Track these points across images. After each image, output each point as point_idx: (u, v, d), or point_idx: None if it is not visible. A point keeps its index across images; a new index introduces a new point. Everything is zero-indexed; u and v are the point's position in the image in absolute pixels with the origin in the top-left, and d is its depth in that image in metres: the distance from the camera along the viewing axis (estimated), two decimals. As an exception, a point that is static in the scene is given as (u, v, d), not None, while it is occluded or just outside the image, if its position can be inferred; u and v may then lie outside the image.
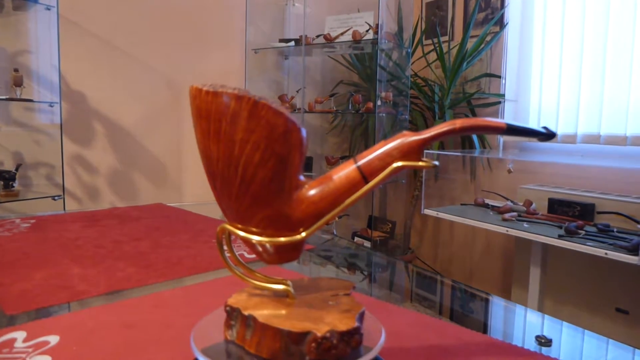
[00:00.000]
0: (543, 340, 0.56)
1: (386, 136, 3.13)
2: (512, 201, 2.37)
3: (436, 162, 0.39)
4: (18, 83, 2.24)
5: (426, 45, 3.12)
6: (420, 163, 0.38)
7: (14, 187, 2.25)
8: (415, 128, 3.15)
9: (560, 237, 1.80)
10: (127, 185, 2.76)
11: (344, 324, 0.36)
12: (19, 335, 0.57)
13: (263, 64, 3.16)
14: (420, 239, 3.46)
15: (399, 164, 0.37)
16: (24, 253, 0.89)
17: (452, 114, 2.90)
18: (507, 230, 1.99)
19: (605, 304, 2.22)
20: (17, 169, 2.30)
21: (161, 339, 0.57)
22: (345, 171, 0.38)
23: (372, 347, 0.39)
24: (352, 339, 0.35)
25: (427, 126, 3.11)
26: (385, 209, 3.47)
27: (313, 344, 0.35)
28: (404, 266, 1.02)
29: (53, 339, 0.56)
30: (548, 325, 0.66)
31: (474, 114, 2.92)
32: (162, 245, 0.97)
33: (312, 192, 0.38)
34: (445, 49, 2.91)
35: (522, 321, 0.70)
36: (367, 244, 3.15)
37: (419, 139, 0.38)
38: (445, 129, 0.36)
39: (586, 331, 0.62)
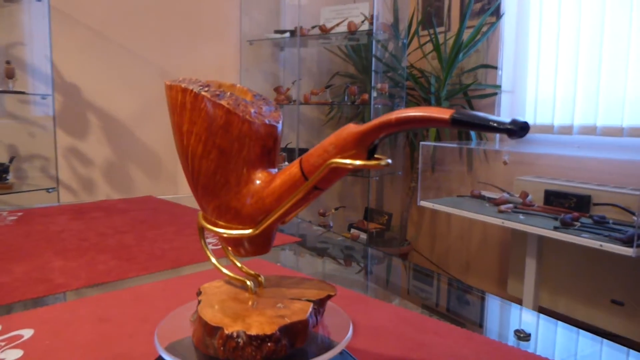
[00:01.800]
0: (522, 335, 0.56)
1: (382, 128, 3.12)
2: (508, 193, 2.36)
3: (389, 160, 0.34)
4: (10, 75, 2.22)
5: (422, 36, 3.10)
6: (358, 162, 0.33)
7: (7, 179, 2.25)
8: (411, 120, 3.13)
9: (555, 228, 1.79)
10: (122, 177, 2.75)
11: (259, 328, 0.34)
12: (-7, 329, 0.57)
13: (258, 56, 3.14)
14: (417, 230, 3.45)
15: (336, 160, 0.33)
16: (7, 246, 0.89)
17: (449, 105, 2.89)
18: (502, 222, 1.98)
19: (601, 296, 2.22)
20: (10, 162, 2.30)
21: (136, 332, 0.56)
22: (291, 167, 0.36)
23: (338, 342, 0.39)
24: (263, 345, 0.34)
25: (423, 118, 3.10)
26: (382, 200, 3.47)
27: (220, 340, 0.35)
28: (393, 260, 1.01)
29: (27, 333, 0.56)
30: (532, 320, 0.66)
31: (471, 105, 2.90)
32: (146, 238, 0.96)
33: (263, 186, 0.37)
34: (441, 40, 2.89)
35: (506, 316, 0.69)
36: (364, 235, 3.14)
37: (354, 131, 0.33)
38: (380, 120, 0.32)
39: (565, 324, 0.61)
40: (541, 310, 2.27)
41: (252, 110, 0.38)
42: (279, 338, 0.34)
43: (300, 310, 0.36)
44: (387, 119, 0.31)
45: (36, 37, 2.40)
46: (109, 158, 2.70)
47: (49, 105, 2.39)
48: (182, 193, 2.90)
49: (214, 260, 0.43)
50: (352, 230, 3.20)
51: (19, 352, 0.51)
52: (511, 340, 0.56)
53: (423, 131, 3.01)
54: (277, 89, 3.07)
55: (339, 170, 0.34)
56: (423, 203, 2.46)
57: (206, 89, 0.38)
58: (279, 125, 0.40)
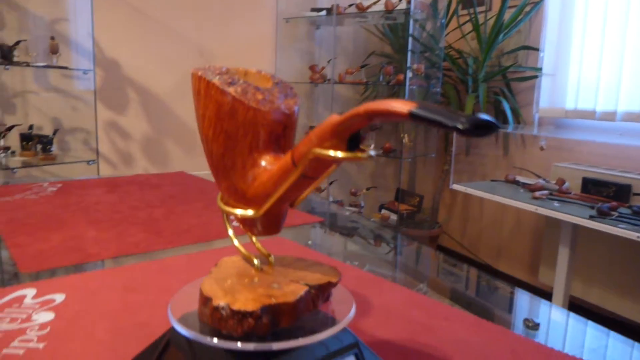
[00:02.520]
0: (530, 324, 0.56)
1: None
2: (544, 179, 2.30)
3: (372, 153, 0.33)
4: (54, 50, 2.30)
5: (462, 15, 3.02)
6: (339, 153, 0.32)
7: (51, 151, 2.35)
8: (447, 101, 3.08)
9: (591, 217, 1.74)
10: (158, 151, 2.83)
11: (242, 304, 0.36)
12: (29, 292, 0.61)
13: (294, 34, 3.13)
14: (448, 213, 3.42)
15: (316, 150, 0.33)
16: (46, 215, 0.94)
17: (486, 87, 2.82)
18: (536, 209, 1.94)
19: (636, 287, 2.16)
20: (54, 134, 2.40)
21: (158, 302, 0.59)
22: (288, 154, 0.37)
23: (340, 320, 0.40)
24: (244, 320, 0.35)
25: (459, 100, 3.03)
26: (414, 182, 3.44)
27: (208, 310, 0.37)
28: (417, 243, 1.02)
29: (59, 297, 0.60)
30: (545, 310, 0.65)
31: (509, 88, 2.82)
32: (175, 212, 1.00)
33: (265, 171, 0.38)
34: (481, 20, 2.81)
35: (520, 305, 0.69)
36: (394, 216, 3.14)
37: (331, 122, 0.33)
38: (351, 112, 0.31)
39: (577, 316, 0.61)
40: (572, 300, 2.23)
41: (262, 98, 0.39)
42: (259, 316, 0.35)
43: (291, 293, 0.38)
44: (356, 111, 0.31)
45: (79, 13, 2.47)
46: (146, 133, 2.78)
47: (91, 80, 2.47)
48: (216, 169, 2.97)
49: (231, 233, 0.45)
50: (383, 211, 3.20)
51: (51, 315, 0.55)
52: (520, 329, 0.56)
53: (459, 113, 2.95)
54: (312, 68, 3.07)
55: (324, 160, 0.34)
56: (455, 186, 2.44)
57: (218, 77, 0.39)
58: (295, 109, 0.41)
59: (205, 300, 0.38)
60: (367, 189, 3.36)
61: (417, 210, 3.20)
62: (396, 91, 3.06)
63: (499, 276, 3.18)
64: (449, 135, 3.09)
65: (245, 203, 0.40)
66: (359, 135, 0.33)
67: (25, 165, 2.28)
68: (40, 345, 0.49)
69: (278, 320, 0.37)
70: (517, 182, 2.38)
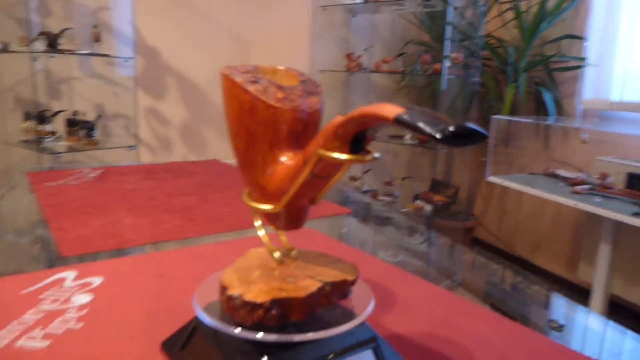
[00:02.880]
0: (554, 325, 0.56)
1: (454, 100, 3.03)
2: (585, 173, 2.23)
3: (376, 155, 0.33)
4: (97, 39, 2.38)
5: (503, 2, 2.93)
6: (343, 155, 0.32)
7: (94, 136, 2.44)
8: (485, 92, 3.01)
9: (635, 214, 1.68)
10: (196, 138, 2.89)
11: (254, 295, 0.37)
12: (70, 274, 0.65)
13: (330, 21, 3.12)
14: (485, 205, 3.36)
15: (320, 152, 0.33)
16: (86, 201, 0.99)
17: (527, 77, 2.74)
18: (576, 204, 1.89)
19: (680, 289, 2.07)
20: (97, 120, 2.49)
21: (188, 289, 0.62)
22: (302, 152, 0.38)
23: (358, 315, 0.41)
24: (254, 311, 0.37)
25: (498, 90, 2.96)
26: (450, 173, 3.39)
27: (224, 298, 0.39)
28: (447, 237, 1.02)
29: (97, 280, 0.63)
30: (575, 312, 0.65)
31: (552, 79, 2.73)
32: (208, 200, 1.03)
33: (283, 168, 0.39)
34: (523, 8, 2.72)
35: (547, 304, 0.68)
36: (428, 207, 3.11)
37: (333, 123, 0.33)
38: (349, 114, 0.31)
39: (606, 320, 0.60)
40: (612, 298, 2.17)
41: (282, 97, 0.40)
42: (269, 308, 0.37)
43: (303, 288, 0.39)
44: (351, 115, 0.31)
45: (120, 2, 2.54)
46: (184, 119, 2.84)
47: (131, 67, 2.54)
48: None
49: (257, 224, 0.46)
50: (417, 201, 3.17)
51: (89, 297, 0.58)
52: (545, 330, 0.56)
53: (498, 104, 2.89)
54: (348, 56, 3.05)
55: (329, 161, 0.34)
56: (492, 179, 2.39)
57: (242, 76, 0.40)
58: (319, 107, 0.42)
59: (222, 288, 0.40)
60: (402, 179, 3.34)
61: (452, 202, 3.16)
62: (434, 80, 3.01)
63: (535, 271, 3.11)
64: (486, 126, 3.03)
65: (266, 198, 0.41)
66: (364, 136, 0.33)
67: (70, 150, 2.38)
68: (78, 326, 0.52)
69: (288, 314, 0.38)
70: (556, 176, 2.32)
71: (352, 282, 0.42)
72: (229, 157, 1.61)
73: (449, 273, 0.84)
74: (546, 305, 0.66)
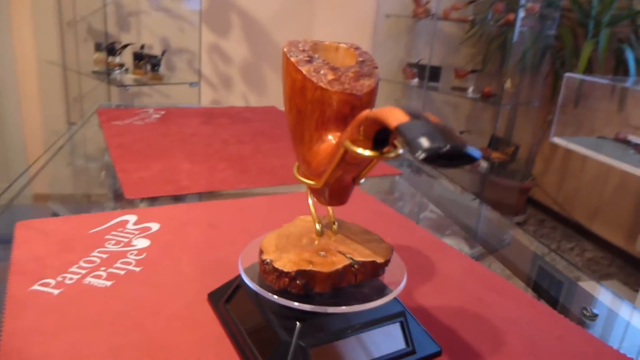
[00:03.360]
0: (587, 314, 0.56)
1: (525, 54, 2.85)
2: (659, 143, 2.09)
3: (400, 151, 0.32)
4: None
5: (594, -53, 2.66)
6: (366, 152, 0.33)
7: (159, 71, 2.52)
8: (560, 46, 2.82)
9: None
10: (257, 78, 2.92)
11: (282, 264, 0.41)
12: (132, 218, 0.71)
13: (400, -38, 2.97)
14: (545, 166, 3.24)
15: (347, 143, 0.34)
16: (148, 143, 1.05)
17: (610, 32, 2.53)
18: (642, 174, 1.79)
19: None
20: (162, 54, 2.55)
21: (236, 241, 0.66)
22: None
23: (392, 290, 0.44)
24: (280, 278, 0.41)
25: (574, 46, 2.76)
26: (512, 130, 3.27)
27: (260, 261, 0.43)
28: (495, 204, 1.01)
29: (155, 226, 0.69)
30: (609, 301, 0.64)
31: (637, 36, 2.51)
32: (262, 151, 1.06)
33: (325, 147, 0.41)
34: (616, -46, 2.47)
35: (586, 292, 0.68)
36: (485, 164, 3.04)
37: (358, 118, 0.33)
38: (360, 117, 0.32)
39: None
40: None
41: (332, 78, 0.41)
42: (294, 277, 0.40)
43: (331, 264, 0.41)
44: (362, 116, 0.33)
45: None
46: (246, 58, 2.86)
47: (197, 1, 2.55)
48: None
49: (309, 192, 0.48)
50: (473, 157, 3.10)
51: (147, 242, 0.64)
52: (577, 317, 0.57)
53: (572, 60, 2.71)
54: (416, 1, 2.92)
55: (346, 158, 0.36)
56: (556, 140, 2.29)
57: (299, 55, 0.42)
58: (371, 89, 0.42)
59: (260, 251, 0.44)
60: (460, 133, 3.26)
61: (511, 160, 3.06)
62: (505, 31, 2.84)
63: (591, 238, 3.01)
64: (557, 83, 2.86)
65: (310, 173, 0.43)
66: (388, 132, 0.33)
67: (136, 83, 2.48)
68: (137, 269, 0.58)
69: (311, 285, 0.41)
70: (628, 142, 2.19)
71: (382, 265, 0.44)
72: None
73: (494, 245, 0.84)
74: (584, 292, 0.66)
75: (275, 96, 2.92)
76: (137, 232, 0.67)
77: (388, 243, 0.47)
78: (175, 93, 2.61)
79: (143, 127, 1.16)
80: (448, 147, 0.25)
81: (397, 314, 0.46)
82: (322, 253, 0.43)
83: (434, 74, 3.04)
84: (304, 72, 0.41)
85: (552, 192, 3.20)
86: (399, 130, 0.28)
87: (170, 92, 2.63)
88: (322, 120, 0.42)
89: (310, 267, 0.41)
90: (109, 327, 0.47)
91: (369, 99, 0.42)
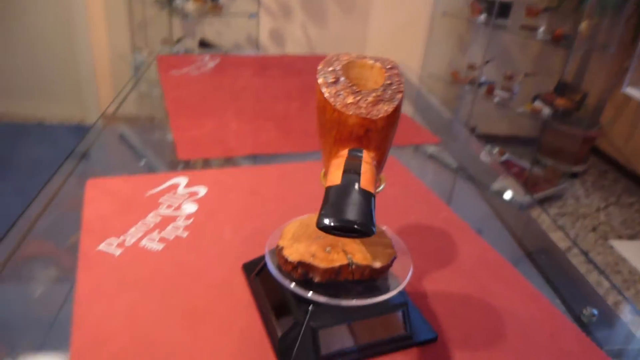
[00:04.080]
0: (586, 313, 0.60)
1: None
2: None
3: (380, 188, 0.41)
4: None
5: None
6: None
7: (219, 1, 2.53)
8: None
9: None
10: (317, 8, 2.87)
11: (289, 253, 0.48)
12: (182, 181, 0.79)
13: None
14: (615, 116, 3.07)
15: (322, 182, 0.45)
16: (202, 96, 1.11)
17: None
18: None
19: None
20: (222, -16, 2.55)
21: (274, 210, 0.74)
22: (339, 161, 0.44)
23: (398, 284, 0.50)
24: (286, 263, 0.48)
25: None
26: (582, 76, 3.08)
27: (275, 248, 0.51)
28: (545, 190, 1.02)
29: (202, 190, 0.77)
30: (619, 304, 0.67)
31: None
32: (309, 110, 1.11)
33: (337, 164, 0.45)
34: None
35: (592, 290, 0.71)
36: (547, 110, 2.92)
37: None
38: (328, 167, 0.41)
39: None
40: None
41: (351, 102, 0.45)
42: (296, 266, 0.48)
43: (330, 261, 0.48)
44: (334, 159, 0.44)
45: None
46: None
47: None
48: (370, 47, 2.95)
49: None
50: (536, 102, 2.97)
51: (195, 207, 0.73)
52: (577, 316, 0.61)
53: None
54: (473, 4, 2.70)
55: None
56: (629, 91, 2.17)
57: (325, 76, 0.46)
58: (387, 114, 0.45)
59: (279, 236, 0.51)
60: (525, 75, 3.11)
61: (577, 108, 2.92)
62: None
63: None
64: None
65: (327, 182, 0.49)
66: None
67: (197, 13, 2.52)
68: (185, 234, 0.66)
69: (311, 275, 0.48)
70: None
71: (379, 270, 0.50)
72: (349, 39, 1.60)
73: (545, 190, 0.87)
74: (592, 291, 0.69)
75: (335, 27, 2.87)
76: (186, 196, 0.75)
77: (393, 250, 0.52)
78: (234, 24, 2.63)
79: (198, 78, 1.23)
80: (337, 224, 0.33)
81: (400, 305, 0.52)
82: (328, 249, 0.49)
83: (504, 9, 2.86)
84: (326, 94, 0.45)
85: (620, 143, 3.05)
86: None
87: (229, 22, 2.65)
88: (339, 137, 0.46)
89: (310, 261, 0.48)
90: (159, 290, 0.56)
91: (385, 123, 0.45)
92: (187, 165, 0.85)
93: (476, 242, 0.72)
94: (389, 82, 0.47)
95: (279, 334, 0.50)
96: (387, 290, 0.50)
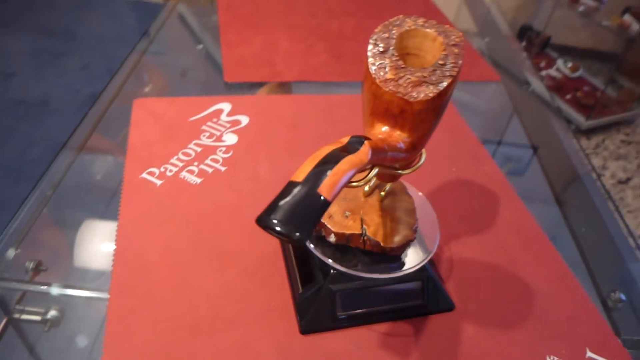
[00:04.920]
0: (614, 298, 0.59)
1: None
2: None
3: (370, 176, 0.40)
4: None
5: None
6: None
7: None
8: None
9: None
10: None
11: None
12: (226, 107, 0.79)
13: None
14: None
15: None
16: (256, 9, 1.06)
17: None
18: None
19: None
20: None
21: (313, 147, 0.73)
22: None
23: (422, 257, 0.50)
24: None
25: None
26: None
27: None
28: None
29: (244, 120, 0.77)
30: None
31: None
32: (364, 28, 1.04)
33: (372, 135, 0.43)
34: None
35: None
36: (637, 26, 2.62)
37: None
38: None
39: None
40: None
41: (391, 78, 0.42)
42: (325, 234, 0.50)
43: (344, 226, 0.48)
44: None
45: None
46: None
47: None
48: None
49: None
50: (626, 16, 2.66)
51: (235, 138, 0.73)
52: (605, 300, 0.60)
53: None
54: None
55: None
56: None
57: (377, 42, 0.43)
58: (427, 98, 0.42)
59: None
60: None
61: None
62: None
63: None
64: None
65: None
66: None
67: None
68: (223, 169, 0.68)
69: (322, 233, 0.50)
70: None
71: (388, 248, 0.49)
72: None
73: (614, 112, 0.83)
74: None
75: None
76: (228, 126, 0.76)
77: (411, 232, 0.50)
78: None
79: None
80: (265, 227, 0.32)
81: (419, 276, 0.53)
82: (347, 213, 0.50)
83: None
84: (369, 64, 0.42)
85: None
86: None
87: None
88: (374, 110, 0.44)
89: (325, 221, 0.48)
90: (193, 227, 0.60)
91: (423, 106, 0.42)
92: (231, 90, 0.85)
93: (514, 205, 0.70)
94: (442, 62, 0.43)
95: (300, 289, 0.53)
96: (407, 262, 0.51)
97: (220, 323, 0.50)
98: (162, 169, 0.66)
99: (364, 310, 0.53)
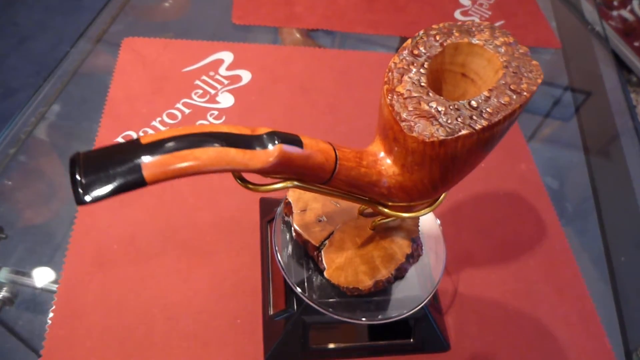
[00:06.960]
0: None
1: None
2: None
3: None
4: None
5: None
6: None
7: None
8: None
9: None
10: None
11: (297, 220, 0.41)
12: (227, 57, 0.68)
13: None
14: None
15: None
16: None
17: None
18: None
19: None
20: None
21: (321, 121, 0.63)
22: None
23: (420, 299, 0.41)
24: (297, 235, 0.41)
25: None
26: None
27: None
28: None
29: (245, 77, 0.66)
30: None
31: None
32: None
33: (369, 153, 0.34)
34: None
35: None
36: None
37: None
38: None
39: None
40: None
41: (399, 91, 0.31)
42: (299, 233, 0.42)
43: (308, 231, 0.41)
44: None
45: None
46: None
47: None
48: None
49: None
50: None
51: (231, 100, 0.63)
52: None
53: None
54: None
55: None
56: None
57: (403, 56, 0.32)
58: (435, 137, 0.31)
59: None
60: None
61: None
62: None
63: None
64: None
65: None
66: None
67: None
68: (210, 139, 0.59)
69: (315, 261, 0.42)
70: None
71: (339, 286, 0.40)
72: None
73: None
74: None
75: None
76: (226, 82, 0.65)
77: (390, 274, 0.40)
78: None
79: None
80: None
81: (412, 313, 0.45)
82: (323, 218, 0.42)
83: None
84: (385, 78, 0.32)
85: None
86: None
87: None
88: (379, 122, 0.33)
89: (295, 211, 0.42)
90: (166, 211, 0.52)
91: (418, 147, 0.30)
92: (235, 37, 0.73)
93: (546, 218, 0.59)
94: (474, 104, 0.30)
95: (271, 310, 0.46)
96: (397, 300, 0.42)
97: (176, 339, 0.44)
98: (140, 134, 0.58)
99: (340, 345, 0.45)
